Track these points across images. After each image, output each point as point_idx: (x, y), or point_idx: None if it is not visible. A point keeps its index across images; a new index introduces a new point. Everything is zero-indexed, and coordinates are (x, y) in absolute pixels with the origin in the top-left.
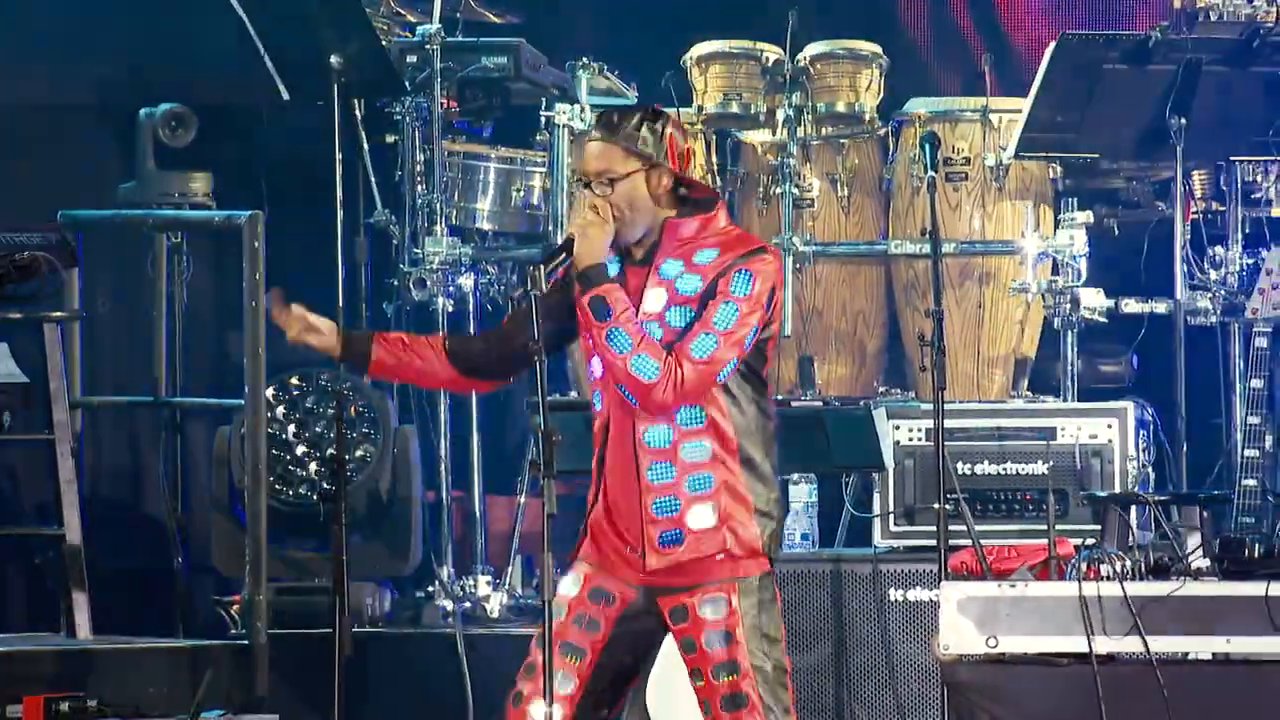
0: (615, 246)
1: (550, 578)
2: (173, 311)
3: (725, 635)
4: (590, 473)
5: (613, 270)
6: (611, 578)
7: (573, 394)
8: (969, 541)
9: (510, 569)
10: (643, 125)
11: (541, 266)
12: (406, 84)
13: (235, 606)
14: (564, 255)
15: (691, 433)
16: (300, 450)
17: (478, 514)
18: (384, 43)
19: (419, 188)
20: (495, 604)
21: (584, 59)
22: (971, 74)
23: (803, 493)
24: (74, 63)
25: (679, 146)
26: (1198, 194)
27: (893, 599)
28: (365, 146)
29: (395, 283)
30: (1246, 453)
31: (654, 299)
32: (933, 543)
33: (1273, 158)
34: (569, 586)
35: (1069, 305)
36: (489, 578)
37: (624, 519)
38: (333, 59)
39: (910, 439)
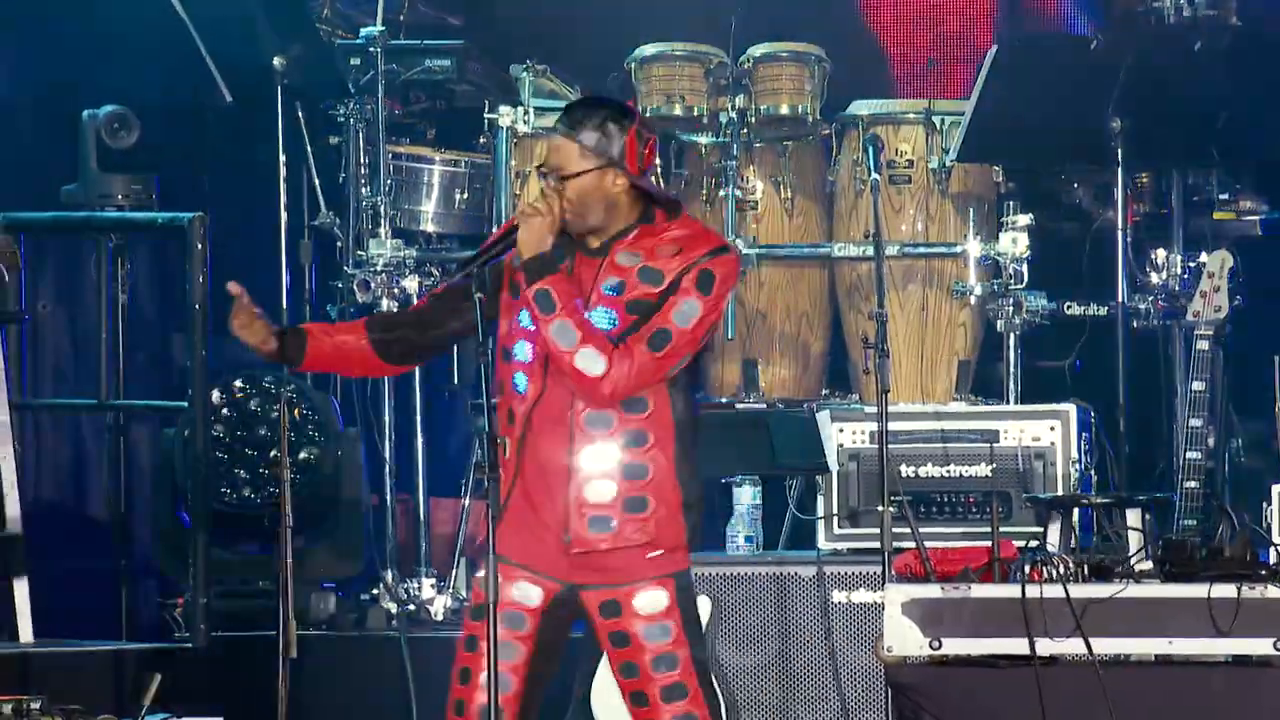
0: (568, 235)
1: (495, 579)
2: (115, 314)
3: (664, 628)
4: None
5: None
6: (532, 571)
7: None
8: (913, 544)
9: (454, 571)
10: (606, 123)
11: (478, 261)
12: (350, 86)
13: (179, 609)
14: (501, 246)
15: (634, 419)
16: (244, 453)
17: (422, 516)
18: (327, 45)
19: (363, 190)
20: (439, 606)
21: (528, 61)
22: (914, 76)
23: (747, 495)
24: (16, 64)
25: (638, 149)
26: (1139, 197)
27: (836, 601)
28: (309, 149)
29: (339, 285)
30: (1188, 455)
31: (610, 287)
32: (876, 545)
33: (1215, 161)
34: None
35: (1011, 308)
36: (433, 580)
37: (548, 504)
38: (276, 61)
39: (854, 441)
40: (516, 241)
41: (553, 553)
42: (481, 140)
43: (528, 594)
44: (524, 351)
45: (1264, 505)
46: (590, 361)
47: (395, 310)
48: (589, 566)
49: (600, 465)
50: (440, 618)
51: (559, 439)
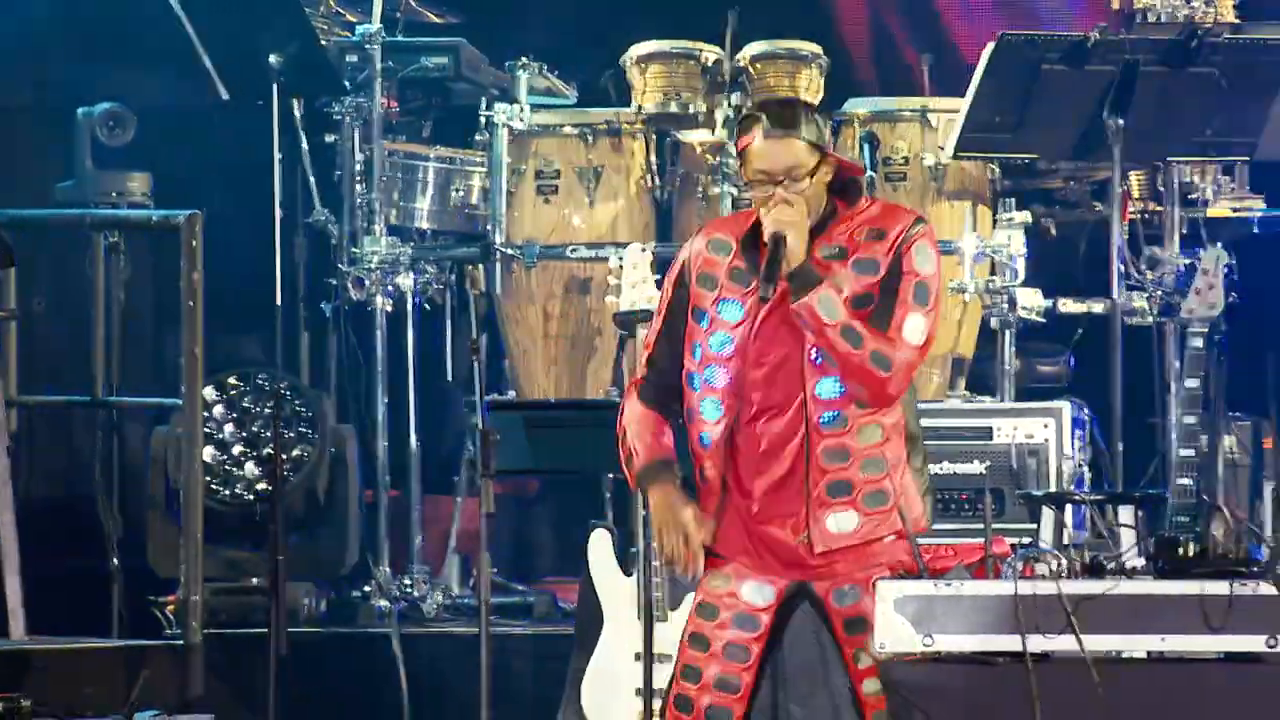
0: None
1: (487, 577)
2: (110, 311)
3: None
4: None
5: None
6: (759, 573)
7: (510, 394)
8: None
9: (446, 569)
10: (813, 115)
11: (771, 277)
12: (346, 84)
13: (171, 606)
14: (774, 258)
15: (867, 414)
16: (237, 450)
17: (415, 514)
18: (323, 42)
19: (358, 187)
20: (431, 604)
21: (524, 59)
22: (910, 74)
23: None
24: (11, 62)
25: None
26: (1135, 194)
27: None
28: (304, 146)
29: (334, 282)
30: (1182, 452)
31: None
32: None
33: (1210, 158)
34: (720, 583)
35: (1006, 305)
36: (425, 577)
37: (778, 507)
38: (272, 58)
39: None
40: (784, 255)
41: (786, 550)
42: (478, 137)
43: (761, 593)
44: (718, 377)
45: (1256, 502)
46: (880, 361)
47: (651, 377)
48: (827, 560)
49: (837, 462)
50: (432, 615)
51: (791, 439)
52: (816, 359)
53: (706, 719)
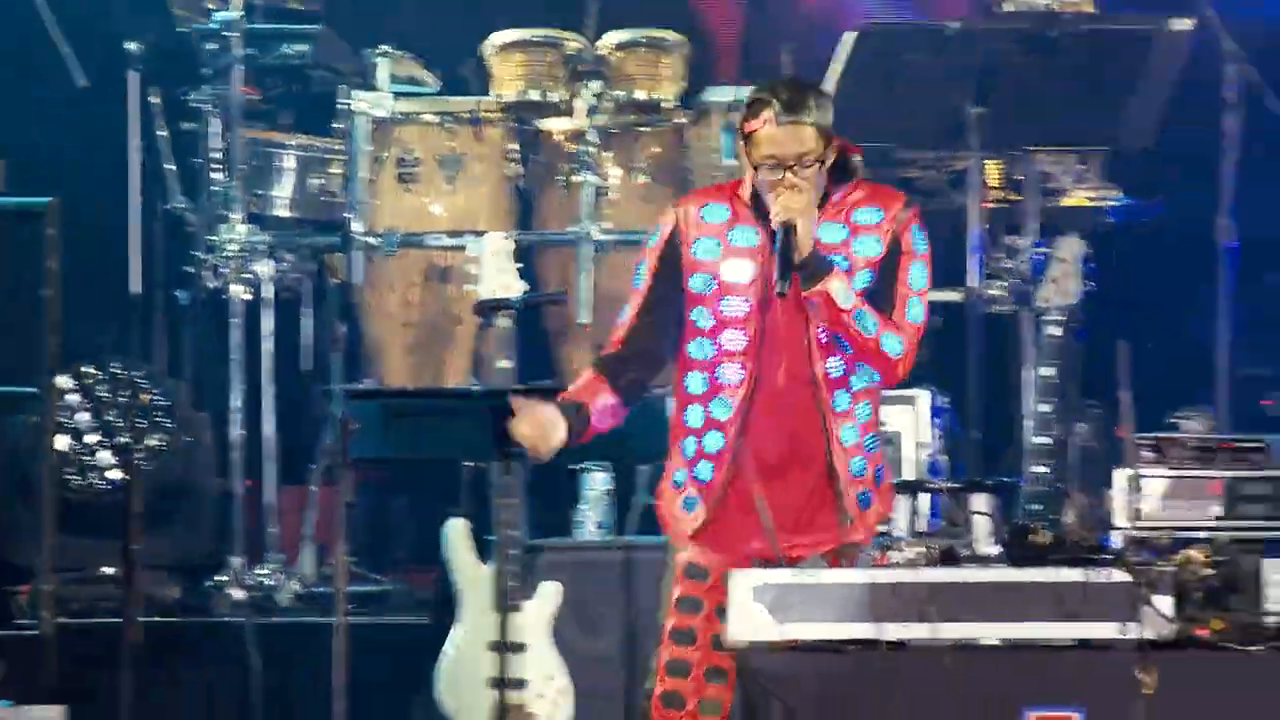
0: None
1: (343, 566)
2: None
3: None
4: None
5: (754, 240)
6: (739, 561)
7: (369, 382)
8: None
9: (302, 557)
10: (823, 98)
11: (785, 272)
12: (205, 71)
13: (24, 596)
14: (785, 249)
15: (862, 393)
16: (92, 439)
17: (270, 502)
18: (182, 29)
19: (217, 175)
20: (286, 593)
21: (385, 47)
22: (773, 63)
23: (597, 481)
24: None
25: None
26: (992, 184)
27: None
28: (163, 133)
29: (191, 270)
30: (1037, 440)
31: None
32: None
33: (1068, 148)
34: (701, 576)
35: None
36: (281, 567)
37: (795, 487)
38: (130, 45)
39: None
40: (794, 244)
41: (790, 530)
42: (338, 125)
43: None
44: (737, 341)
45: (1108, 490)
46: (892, 343)
47: (611, 349)
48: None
49: (851, 441)
50: (286, 604)
51: (809, 421)
52: (824, 339)
53: (700, 710)
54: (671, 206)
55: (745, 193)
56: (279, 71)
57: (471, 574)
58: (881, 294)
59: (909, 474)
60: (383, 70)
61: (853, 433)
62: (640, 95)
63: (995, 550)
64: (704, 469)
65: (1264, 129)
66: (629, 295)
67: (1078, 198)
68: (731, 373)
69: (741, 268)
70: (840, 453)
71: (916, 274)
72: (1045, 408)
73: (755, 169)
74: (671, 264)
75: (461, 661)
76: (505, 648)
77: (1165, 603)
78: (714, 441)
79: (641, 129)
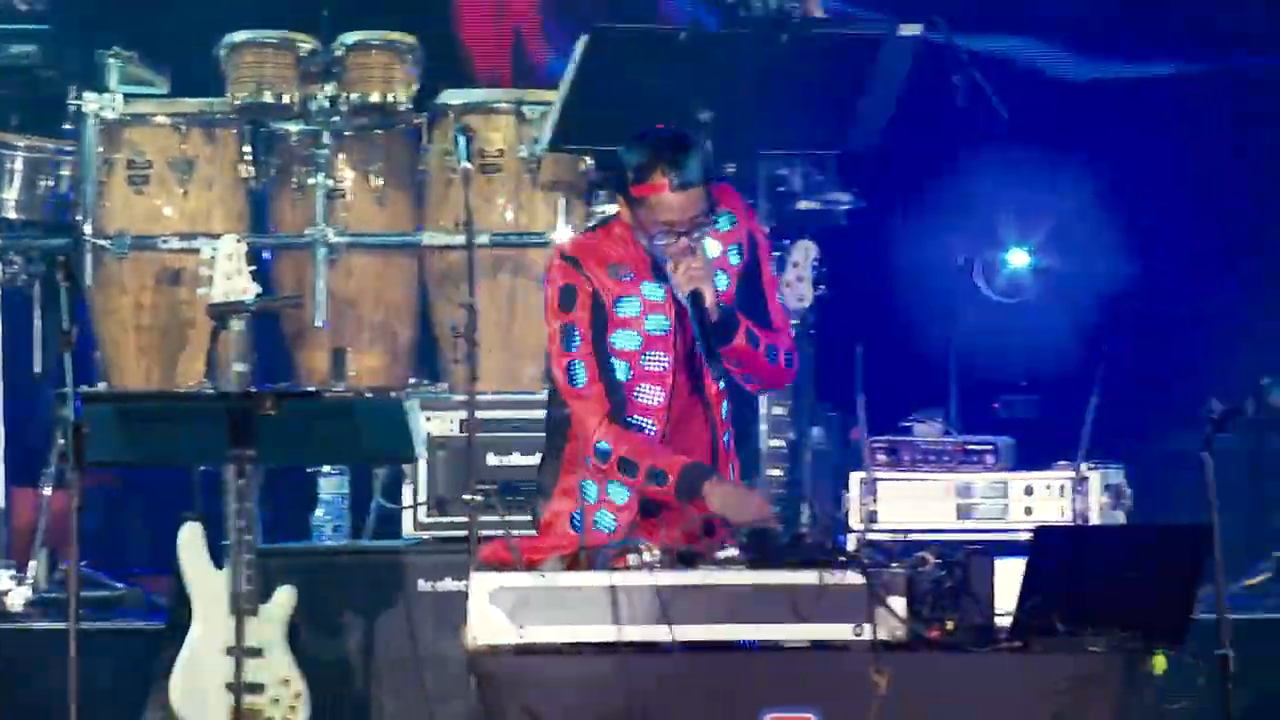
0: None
1: (77, 571)
2: None
3: None
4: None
5: (661, 295)
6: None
7: (102, 385)
8: (500, 532)
9: (34, 563)
10: (704, 155)
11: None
12: None
13: None
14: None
15: (725, 394)
16: None
17: (0, 507)
18: None
19: None
20: (18, 599)
21: (115, 48)
22: (506, 66)
23: (333, 484)
24: None
25: None
26: None
27: (422, 590)
28: None
29: None
30: (771, 443)
31: (720, 282)
32: (464, 533)
33: (799, 151)
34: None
35: None
36: (11, 572)
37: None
38: None
39: (442, 430)
40: (706, 311)
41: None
42: (68, 127)
43: None
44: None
45: (843, 493)
46: (772, 355)
47: (611, 403)
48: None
49: (730, 447)
50: (18, 610)
51: (701, 432)
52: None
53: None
54: (561, 263)
55: (636, 243)
56: (6, 72)
57: (206, 579)
58: (752, 294)
59: None
60: (112, 71)
61: (730, 437)
62: (374, 97)
63: (733, 553)
64: (617, 497)
65: (992, 134)
66: (358, 297)
67: (810, 201)
68: (647, 427)
69: (660, 322)
70: (728, 459)
71: (773, 268)
72: (780, 410)
73: (647, 232)
74: (600, 324)
75: (197, 666)
76: (241, 652)
77: (899, 604)
78: (619, 493)
79: (376, 131)
